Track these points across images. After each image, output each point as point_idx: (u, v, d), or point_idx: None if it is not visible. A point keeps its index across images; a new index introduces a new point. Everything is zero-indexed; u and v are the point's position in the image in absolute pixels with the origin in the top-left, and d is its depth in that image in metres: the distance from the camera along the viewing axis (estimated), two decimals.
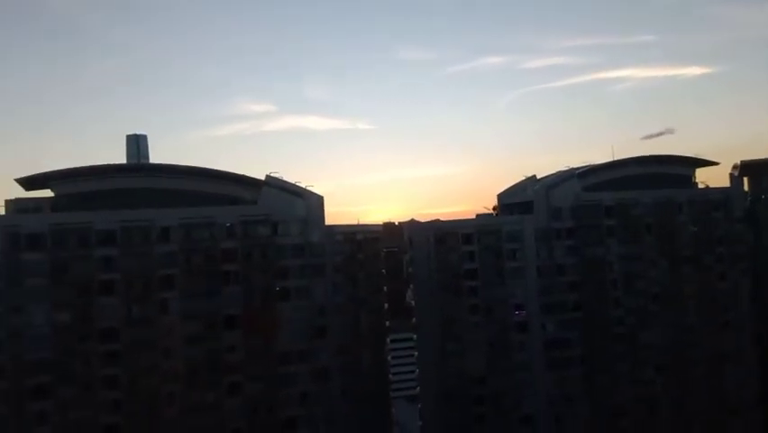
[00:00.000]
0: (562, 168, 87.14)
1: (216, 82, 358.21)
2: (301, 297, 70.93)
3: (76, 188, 68.10)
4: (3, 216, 65.83)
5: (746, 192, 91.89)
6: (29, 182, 68.02)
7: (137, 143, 73.67)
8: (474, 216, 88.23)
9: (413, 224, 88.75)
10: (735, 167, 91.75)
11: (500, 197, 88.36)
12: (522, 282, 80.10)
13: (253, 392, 68.30)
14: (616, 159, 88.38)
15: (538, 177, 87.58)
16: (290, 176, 73.58)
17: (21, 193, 67.54)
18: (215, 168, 71.69)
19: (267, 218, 70.70)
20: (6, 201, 66.87)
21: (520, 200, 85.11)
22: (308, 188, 73.69)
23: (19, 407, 62.40)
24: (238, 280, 69.10)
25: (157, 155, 75.89)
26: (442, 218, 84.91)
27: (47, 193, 68.24)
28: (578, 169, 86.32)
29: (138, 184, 69.77)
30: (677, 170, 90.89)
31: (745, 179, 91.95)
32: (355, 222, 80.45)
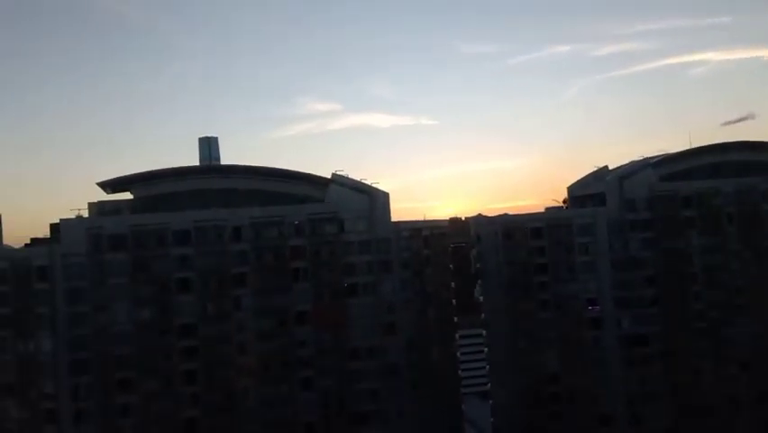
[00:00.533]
0: (636, 158, 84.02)
1: (282, 83, 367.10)
2: (369, 293, 71.40)
3: (153, 190, 70.87)
4: (87, 218, 69.21)
5: None
6: (110, 186, 71.25)
7: (209, 145, 76.09)
8: (543, 210, 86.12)
9: (480, 218, 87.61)
10: None
11: (570, 189, 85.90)
12: (595, 277, 77.62)
13: (325, 387, 69.22)
14: (693, 147, 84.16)
15: (610, 168, 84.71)
16: (356, 173, 74.19)
17: (102, 196, 70.83)
18: (283, 167, 73.04)
19: (334, 216, 71.49)
20: (89, 204, 70.25)
21: (592, 192, 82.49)
22: (374, 185, 74.05)
23: (105, 400, 65.57)
24: (307, 277, 70.26)
25: (227, 156, 78.23)
26: (509, 213, 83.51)
27: (126, 196, 71.27)
28: (653, 158, 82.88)
29: (210, 185, 71.95)
30: (760, 156, 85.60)
31: None
32: (421, 218, 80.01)
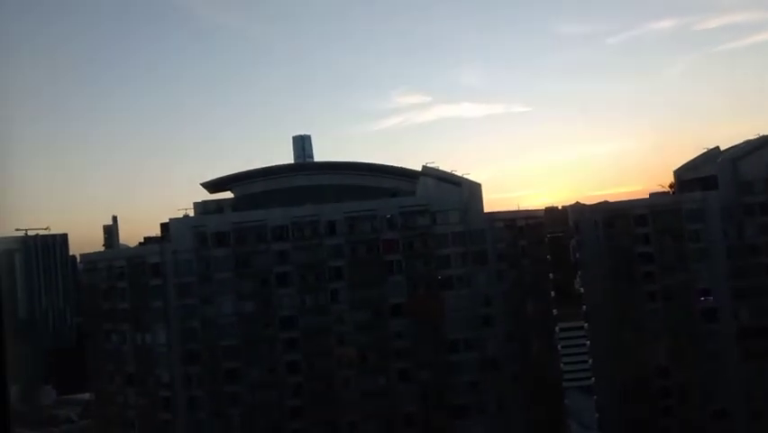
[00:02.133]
0: (751, 137, 77.39)
1: (371, 77, 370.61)
2: (464, 285, 70.65)
3: (251, 188, 73.95)
4: (192, 217, 73.21)
5: None
6: (212, 186, 75.10)
7: (302, 144, 78.35)
8: (647, 197, 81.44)
9: (578, 207, 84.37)
10: None
11: (677, 173, 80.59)
12: (707, 266, 72.47)
13: (423, 379, 69.28)
14: None
15: (722, 149, 78.71)
16: (446, 165, 74.02)
17: (206, 196, 74.74)
18: (374, 162, 73.90)
19: (426, 209, 71.26)
20: (195, 204, 74.27)
21: (702, 175, 76.99)
22: (465, 176, 73.23)
23: (213, 389, 69.10)
24: (401, 270, 70.50)
25: (321, 152, 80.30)
26: (610, 200, 79.64)
27: (228, 195, 74.71)
28: None
29: (305, 182, 74.22)
30: None
31: None
32: (515, 208, 78.20)
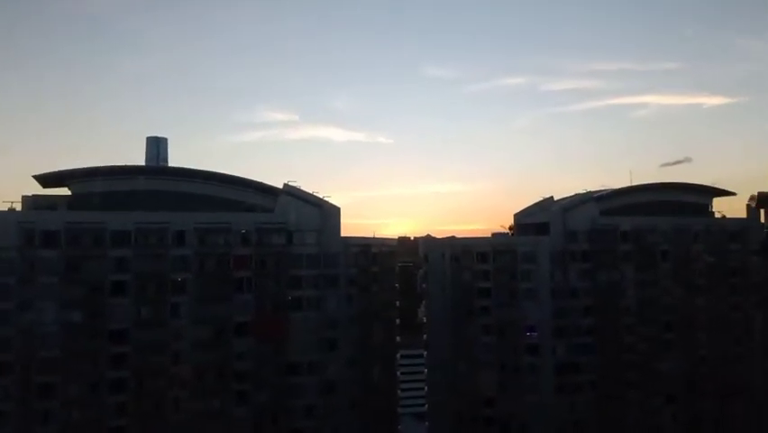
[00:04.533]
0: (580, 191, 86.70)
1: (241, 89, 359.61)
2: (313, 307, 70.35)
3: (93, 187, 67.79)
4: (19, 212, 65.39)
5: (763, 224, 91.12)
6: (46, 180, 67.78)
7: (157, 146, 73.51)
8: (490, 235, 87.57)
9: (429, 240, 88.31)
10: (752, 198, 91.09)
11: (517, 216, 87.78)
12: (535, 304, 79.24)
13: (261, 402, 67.39)
14: (634, 184, 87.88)
15: (555, 198, 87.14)
16: (309, 186, 73.38)
17: (38, 190, 67.16)
18: (235, 174, 71.40)
19: (282, 227, 70.30)
20: (23, 197, 66.44)
21: (537, 221, 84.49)
22: (326, 198, 73.46)
23: (25, 405, 61.52)
24: (250, 288, 68.57)
25: (177, 159, 75.60)
26: (458, 235, 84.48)
27: (64, 192, 67.86)
28: (595, 192, 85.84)
29: (155, 186, 69.42)
30: (694, 198, 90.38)
31: (762, 211, 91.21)
32: (371, 235, 79.86)
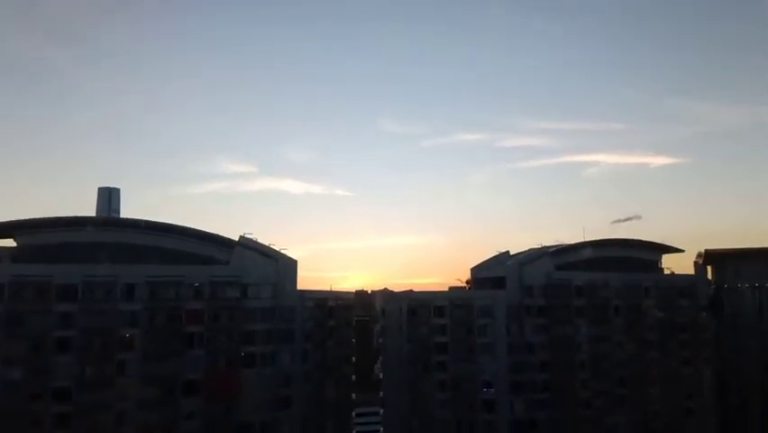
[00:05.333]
0: (535, 246, 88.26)
1: (198, 140, 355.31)
2: (267, 363, 68.68)
3: (39, 239, 65.58)
4: None
5: (710, 281, 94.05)
6: None
7: (109, 196, 71.93)
8: (447, 289, 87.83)
9: (386, 293, 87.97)
10: (699, 255, 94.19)
11: (473, 270, 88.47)
12: (492, 359, 79.26)
13: None
14: (587, 240, 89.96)
15: (512, 253, 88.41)
16: (265, 238, 72.65)
17: None
18: (189, 226, 70.12)
19: (237, 280, 68.99)
20: None
21: (493, 275, 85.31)
22: (282, 250, 72.78)
23: None
24: (202, 344, 66.66)
25: (130, 210, 73.94)
26: (415, 289, 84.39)
27: (9, 243, 65.42)
28: (550, 247, 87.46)
29: (105, 238, 67.56)
30: (644, 254, 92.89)
31: (709, 268, 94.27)
32: (328, 288, 79.10)
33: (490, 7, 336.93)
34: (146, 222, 69.00)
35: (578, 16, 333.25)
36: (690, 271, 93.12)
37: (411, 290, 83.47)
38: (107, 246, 66.82)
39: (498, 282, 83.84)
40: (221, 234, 71.57)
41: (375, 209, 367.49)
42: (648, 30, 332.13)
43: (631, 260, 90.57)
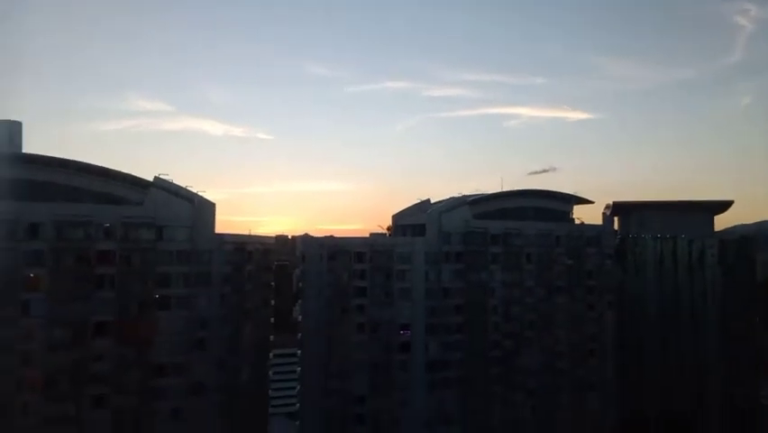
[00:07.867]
0: (455, 194, 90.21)
1: (113, 75, 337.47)
2: (182, 306, 67.66)
3: None
4: None
5: (616, 231, 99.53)
6: None
7: (9, 130, 67.14)
8: (368, 235, 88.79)
9: (306, 238, 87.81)
10: (607, 207, 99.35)
11: (395, 217, 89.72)
12: (409, 303, 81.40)
13: (120, 405, 63.86)
14: (504, 190, 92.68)
15: (432, 201, 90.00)
16: (183, 180, 70.43)
17: None
18: (100, 164, 67.01)
19: (151, 222, 67.00)
20: None
21: (414, 222, 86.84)
22: (200, 193, 70.99)
23: None
24: (113, 286, 64.84)
25: (33, 147, 69.34)
26: (336, 235, 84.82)
27: None
28: (469, 196, 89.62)
29: (5, 174, 63.54)
30: (557, 205, 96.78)
31: (616, 219, 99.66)
32: (247, 232, 78.18)
33: None
34: (51, 158, 65.33)
35: None
36: (599, 221, 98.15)
37: (332, 236, 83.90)
38: (9, 183, 62.96)
39: (419, 230, 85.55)
40: (135, 174, 68.96)
41: (298, 154, 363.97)
42: None
43: (544, 210, 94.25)
